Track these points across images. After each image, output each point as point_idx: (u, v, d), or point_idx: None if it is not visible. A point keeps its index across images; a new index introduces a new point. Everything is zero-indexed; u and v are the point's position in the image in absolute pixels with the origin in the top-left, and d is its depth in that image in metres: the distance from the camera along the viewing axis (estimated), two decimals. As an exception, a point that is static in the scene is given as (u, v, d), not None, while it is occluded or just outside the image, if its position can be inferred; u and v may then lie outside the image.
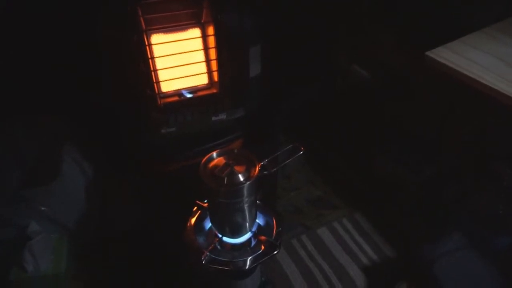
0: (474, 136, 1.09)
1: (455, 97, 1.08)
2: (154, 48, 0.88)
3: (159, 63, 0.90)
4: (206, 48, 0.94)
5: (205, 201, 0.88)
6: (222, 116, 1.03)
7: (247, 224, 0.82)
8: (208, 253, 0.78)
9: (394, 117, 1.34)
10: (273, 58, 1.10)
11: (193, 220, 0.87)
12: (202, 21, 0.91)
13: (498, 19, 1.01)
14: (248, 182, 0.74)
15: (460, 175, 1.16)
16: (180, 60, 0.92)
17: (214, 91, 1.00)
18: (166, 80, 0.93)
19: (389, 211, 1.31)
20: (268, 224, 0.87)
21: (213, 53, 0.94)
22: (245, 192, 0.75)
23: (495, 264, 0.99)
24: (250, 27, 0.97)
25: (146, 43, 0.86)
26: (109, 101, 1.07)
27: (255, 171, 0.76)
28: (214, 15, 0.89)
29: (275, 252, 0.79)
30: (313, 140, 1.56)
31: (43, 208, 1.05)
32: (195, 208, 0.89)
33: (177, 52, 0.91)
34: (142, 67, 0.88)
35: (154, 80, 0.91)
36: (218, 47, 0.92)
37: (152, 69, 0.89)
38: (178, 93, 0.97)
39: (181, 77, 0.94)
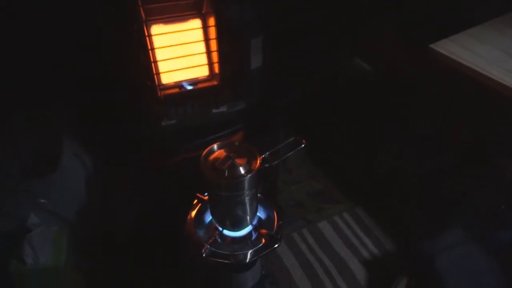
0: (475, 131, 1.09)
1: (457, 91, 1.07)
2: (154, 38, 0.87)
3: (159, 54, 0.89)
4: (206, 39, 0.93)
5: (206, 194, 0.87)
6: (223, 109, 1.02)
7: (248, 217, 0.81)
8: (208, 246, 0.78)
9: (395, 112, 1.33)
10: (274, 50, 1.09)
11: (193, 213, 0.86)
12: (203, 11, 0.89)
13: (499, 13, 1.00)
14: (249, 175, 0.74)
15: (461, 170, 1.16)
16: (181, 51, 0.91)
17: (215, 83, 0.99)
18: (166, 72, 0.92)
19: (390, 206, 1.30)
20: (269, 218, 0.86)
21: (214, 45, 0.93)
22: (246, 185, 0.75)
23: (497, 259, 0.98)
24: (251, 18, 0.96)
25: (146, 33, 0.85)
26: (109, 93, 1.06)
27: (256, 164, 0.75)
28: (215, 6, 0.88)
29: (276, 245, 0.79)
30: (314, 134, 1.55)
31: (42, 201, 1.04)
32: (196, 201, 0.88)
33: (178, 43, 0.90)
34: (142, 58, 0.87)
35: (154, 72, 0.90)
36: (219, 38, 0.91)
37: (152, 60, 0.88)
38: (178, 85, 0.96)
39: (181, 69, 0.93)
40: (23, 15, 1.03)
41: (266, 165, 0.78)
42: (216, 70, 0.97)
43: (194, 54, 0.93)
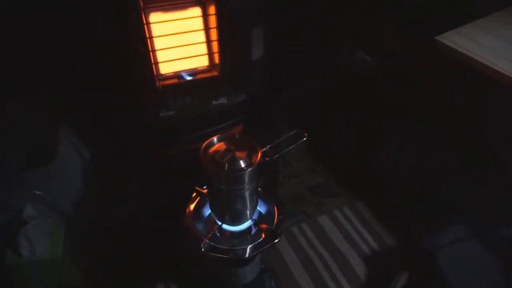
0: (478, 125, 1.07)
1: (460, 84, 1.06)
2: (153, 27, 0.85)
3: (158, 43, 0.87)
4: (207, 28, 0.90)
5: (205, 187, 0.86)
6: (223, 100, 1.00)
7: (248, 211, 0.80)
8: (207, 241, 0.76)
9: (396, 106, 1.31)
10: (275, 42, 1.06)
11: (192, 207, 0.85)
12: (203, -1, 0.87)
13: (503, 6, 0.98)
14: (249, 169, 0.72)
15: (463, 165, 1.15)
16: (180, 40, 0.89)
17: (215, 74, 0.96)
18: (165, 62, 0.90)
19: (391, 200, 1.29)
20: (269, 212, 0.85)
21: (214, 34, 0.91)
22: (246, 178, 0.73)
23: (498, 255, 0.97)
24: (253, 7, 0.93)
25: (145, 21, 0.82)
26: (107, 84, 1.04)
27: (257, 157, 0.74)
28: (216, -6, 0.86)
29: (276, 240, 0.78)
30: (315, 127, 1.53)
31: (39, 193, 1.03)
32: (194, 194, 0.87)
33: (177, 32, 0.87)
34: (140, 47, 0.85)
35: (153, 61, 0.88)
36: (220, 27, 0.89)
37: (150, 49, 0.86)
38: (177, 75, 0.94)
39: (180, 59, 0.91)
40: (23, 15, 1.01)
41: (267, 158, 0.77)
42: (216, 60, 0.95)
43: (194, 44, 0.91)
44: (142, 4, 0.81)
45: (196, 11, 0.88)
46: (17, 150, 1.09)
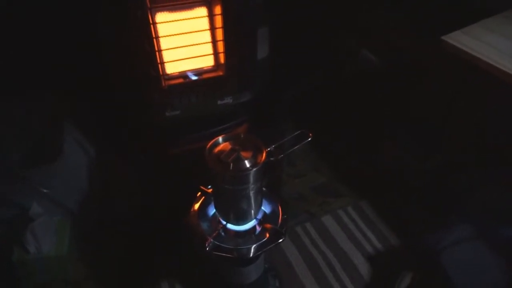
0: (483, 124, 1.07)
1: (462, 85, 1.05)
2: (159, 27, 0.85)
3: (163, 43, 0.87)
4: (212, 28, 0.91)
5: (209, 186, 0.86)
6: (228, 100, 1.01)
7: (252, 211, 0.80)
8: (212, 240, 0.77)
9: (400, 105, 1.31)
10: (279, 42, 1.06)
11: (196, 206, 0.85)
12: (209, -1, 0.87)
13: (508, 6, 0.98)
14: (254, 169, 0.72)
15: (467, 164, 1.14)
16: (186, 40, 0.89)
17: (220, 73, 0.97)
18: (171, 61, 0.91)
19: (395, 200, 1.29)
20: (273, 211, 0.85)
21: (219, 34, 0.91)
22: (251, 178, 0.73)
23: (503, 255, 0.97)
24: (258, 7, 0.93)
25: (151, 21, 0.83)
26: (113, 82, 1.05)
27: (261, 157, 0.74)
28: (222, -6, 0.86)
29: (280, 240, 0.78)
30: (319, 127, 1.53)
31: (45, 190, 1.04)
32: (199, 193, 0.87)
33: (183, 31, 0.87)
34: (146, 47, 0.85)
35: (159, 61, 0.88)
36: (225, 27, 0.89)
37: (156, 49, 0.86)
38: (183, 75, 0.94)
39: (186, 58, 0.91)
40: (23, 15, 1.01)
41: (272, 158, 0.77)
42: (222, 60, 0.95)
43: (200, 44, 0.91)
44: (148, 4, 0.81)
45: (202, 11, 0.88)
46: (22, 147, 1.10)
